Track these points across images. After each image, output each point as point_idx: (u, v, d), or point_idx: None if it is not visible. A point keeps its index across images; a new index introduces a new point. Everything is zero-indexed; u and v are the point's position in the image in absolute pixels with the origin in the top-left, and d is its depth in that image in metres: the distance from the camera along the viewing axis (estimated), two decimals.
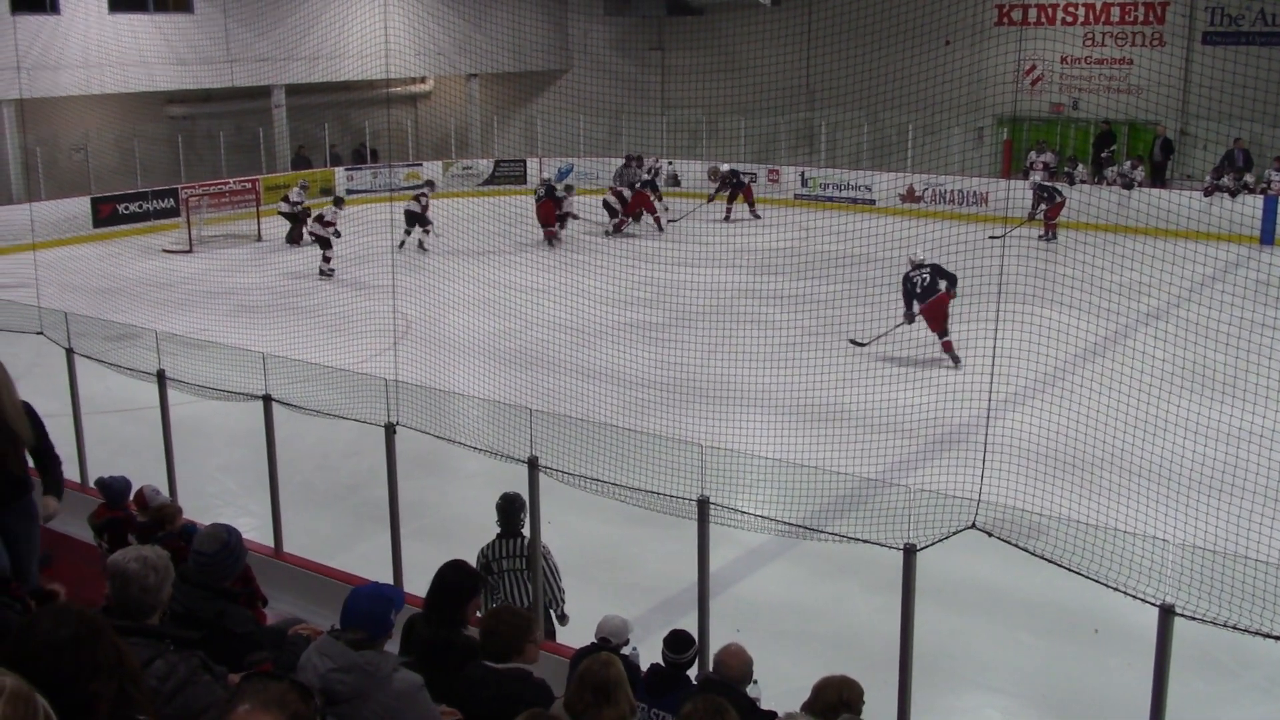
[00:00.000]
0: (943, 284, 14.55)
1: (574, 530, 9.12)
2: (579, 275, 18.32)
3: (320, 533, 9.59)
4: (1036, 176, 24.34)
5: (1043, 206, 22.23)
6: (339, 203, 21.61)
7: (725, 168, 25.73)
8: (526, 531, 7.35)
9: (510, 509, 7.48)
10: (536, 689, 4.76)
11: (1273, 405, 10.51)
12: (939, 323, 14.40)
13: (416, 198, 23.06)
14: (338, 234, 20.43)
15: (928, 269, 14.64)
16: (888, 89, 21.65)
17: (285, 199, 24.04)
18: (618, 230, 24.15)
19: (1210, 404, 10.89)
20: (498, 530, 7.53)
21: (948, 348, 14.20)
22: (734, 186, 25.52)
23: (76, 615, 3.04)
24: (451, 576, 5.25)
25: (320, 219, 20.92)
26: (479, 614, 5.43)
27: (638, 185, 24.79)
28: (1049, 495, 7.81)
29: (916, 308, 14.52)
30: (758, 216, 24.59)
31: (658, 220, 24.43)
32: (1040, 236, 21.93)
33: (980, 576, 8.70)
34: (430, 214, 22.55)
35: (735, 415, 11.52)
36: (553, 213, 23.21)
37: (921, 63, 21.22)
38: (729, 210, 25.41)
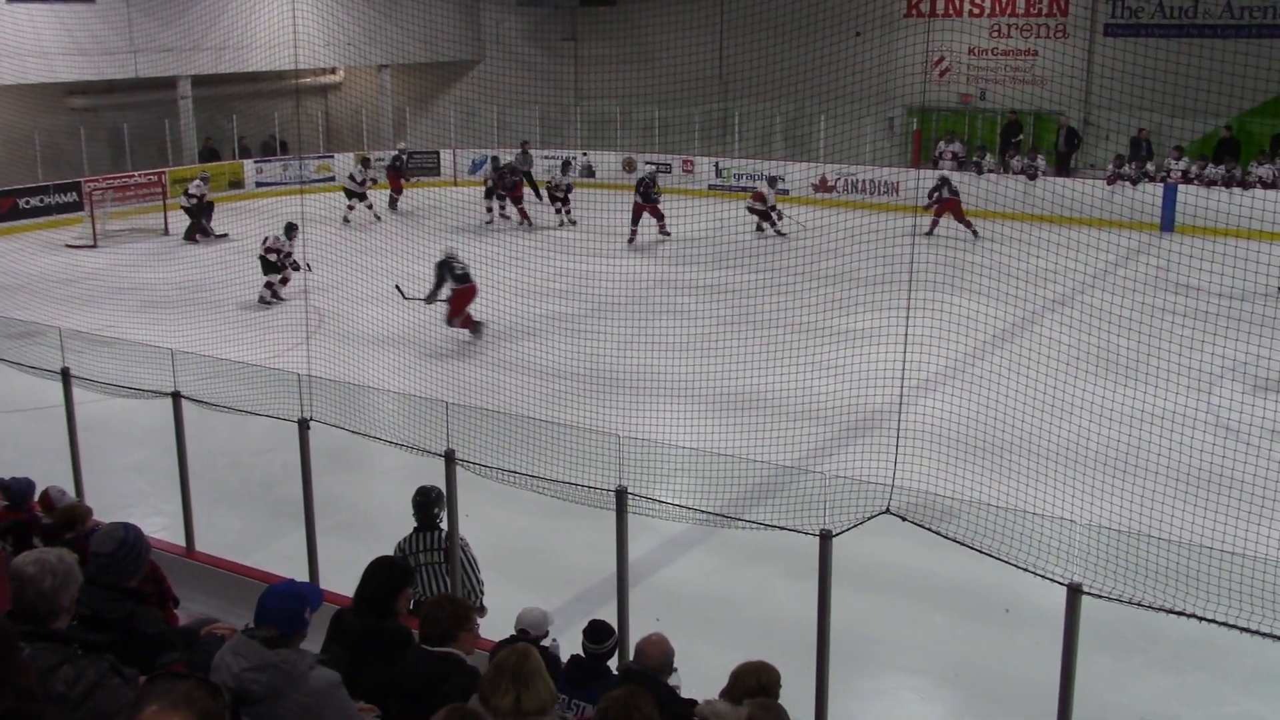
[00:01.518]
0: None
1: (492, 523, 9.09)
2: (494, 267, 18.24)
3: (234, 531, 9.46)
4: (946, 166, 24.70)
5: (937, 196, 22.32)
6: (291, 230, 18.35)
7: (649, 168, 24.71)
8: (444, 525, 7.33)
9: (426, 502, 7.46)
10: (466, 673, 4.80)
11: (1174, 388, 10.81)
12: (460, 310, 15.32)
13: (352, 175, 23.95)
14: (296, 266, 17.79)
15: (460, 263, 15.45)
16: (800, 79, 21.84)
17: (185, 192, 23.53)
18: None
19: (1114, 387, 11.17)
20: (414, 524, 7.49)
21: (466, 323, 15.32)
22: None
23: None
24: (381, 572, 5.30)
25: (276, 251, 18.22)
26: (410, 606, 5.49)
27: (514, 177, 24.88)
28: (960, 479, 7.97)
29: (446, 292, 15.29)
30: (667, 234, 22.67)
31: (523, 212, 24.28)
32: (927, 233, 22.04)
33: (895, 560, 8.83)
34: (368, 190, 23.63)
35: (652, 405, 11.57)
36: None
37: (833, 53, 21.39)
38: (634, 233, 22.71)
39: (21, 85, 24.91)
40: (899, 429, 7.12)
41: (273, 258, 18.06)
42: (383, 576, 5.31)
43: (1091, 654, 5.54)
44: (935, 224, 22.15)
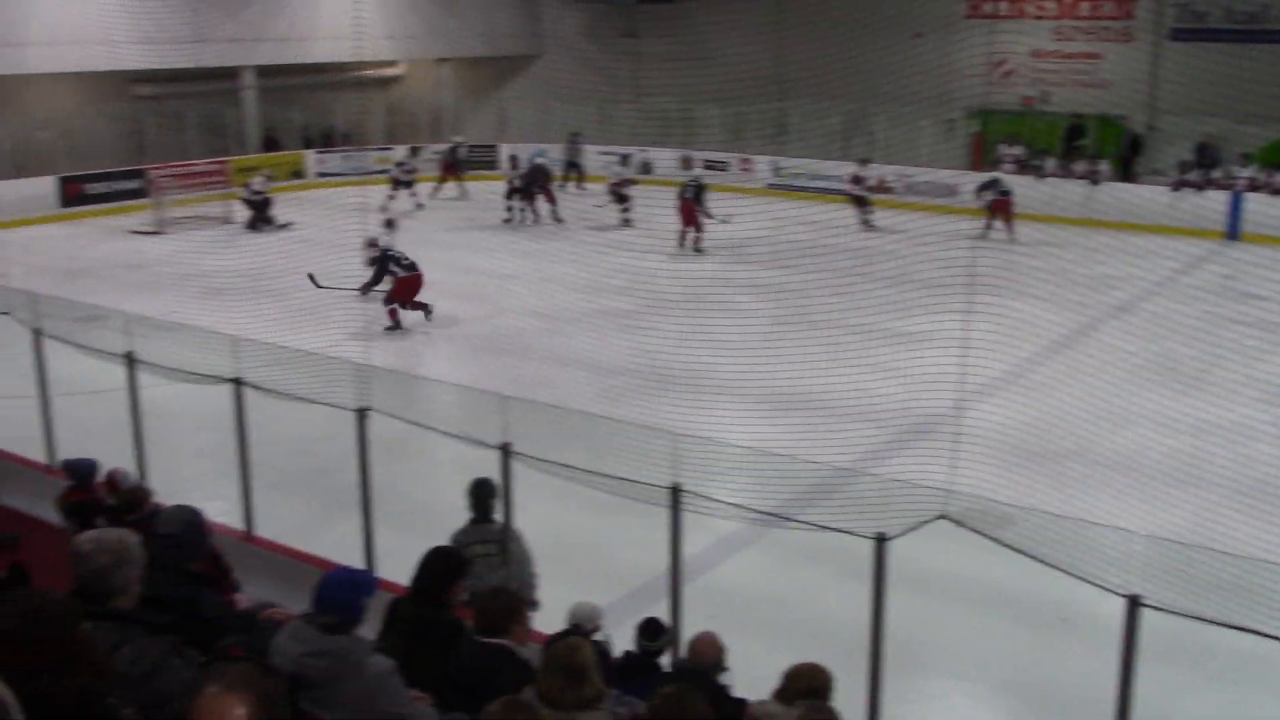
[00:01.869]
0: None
1: (546, 517, 9.09)
2: (552, 262, 18.32)
3: (292, 517, 9.55)
4: (1006, 169, 24.45)
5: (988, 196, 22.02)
6: (390, 225, 18.58)
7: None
8: (499, 517, 7.36)
9: (482, 494, 7.48)
10: (517, 665, 4.83)
11: (1238, 399, 10.63)
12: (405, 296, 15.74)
13: (400, 163, 24.35)
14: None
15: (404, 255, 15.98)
16: (859, 80, 21.72)
17: (247, 186, 23.82)
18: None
19: (1176, 397, 11.00)
20: (470, 515, 7.52)
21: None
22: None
23: (25, 608, 2.95)
24: (437, 562, 5.35)
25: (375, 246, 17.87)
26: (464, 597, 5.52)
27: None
28: (1018, 486, 7.89)
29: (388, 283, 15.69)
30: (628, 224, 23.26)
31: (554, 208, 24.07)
32: (980, 235, 21.73)
33: (950, 566, 8.75)
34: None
35: (708, 403, 11.53)
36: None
37: (892, 54, 21.28)
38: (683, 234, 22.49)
39: (89, 73, 25.33)
40: (956, 433, 7.06)
41: (374, 253, 18.41)
42: (438, 567, 5.36)
43: (1149, 667, 5.46)
44: (989, 226, 21.85)
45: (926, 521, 6.04)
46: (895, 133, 25.91)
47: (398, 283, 15.73)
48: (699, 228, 20.77)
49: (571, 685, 4.31)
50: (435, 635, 5.14)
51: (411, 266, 15.83)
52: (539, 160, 24.82)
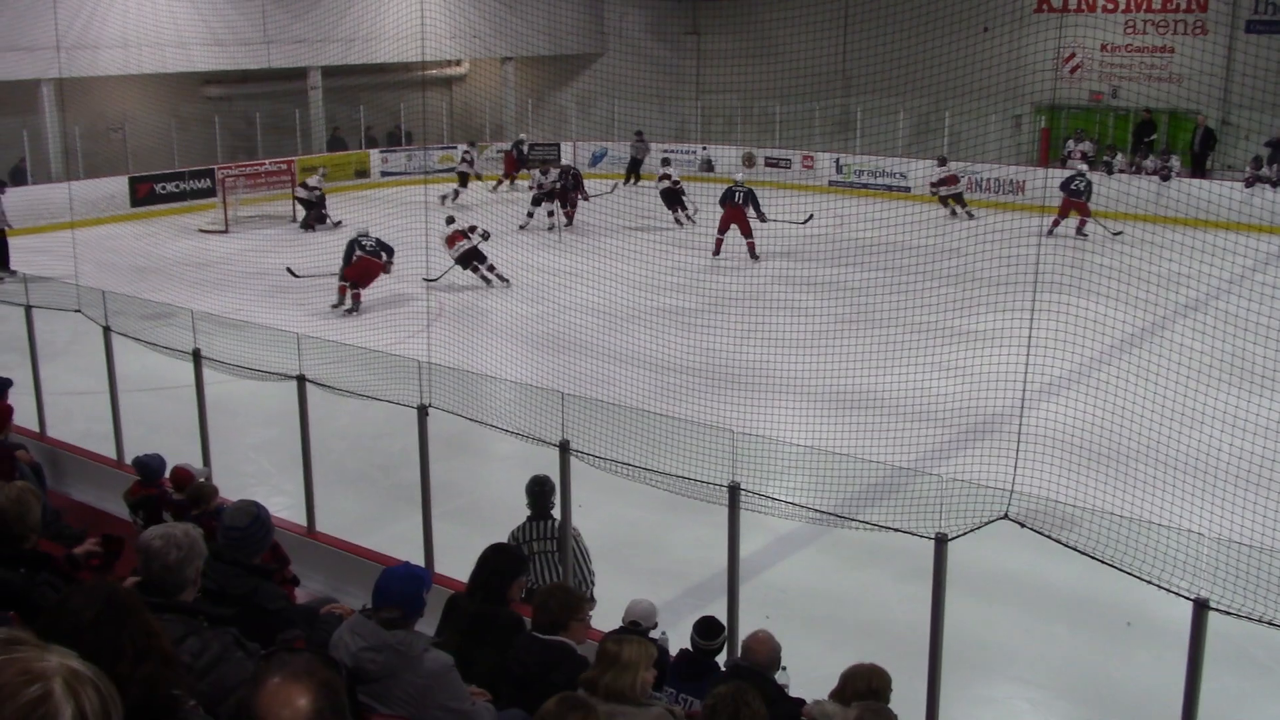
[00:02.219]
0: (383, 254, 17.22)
1: (604, 514, 9.14)
2: (612, 260, 18.33)
3: (352, 513, 9.65)
4: (1075, 165, 24.11)
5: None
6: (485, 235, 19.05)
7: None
8: (557, 514, 7.39)
9: (540, 491, 7.51)
10: (575, 662, 4.84)
11: None
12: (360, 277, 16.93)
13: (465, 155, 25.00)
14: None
15: (369, 239, 17.28)
16: (925, 75, 21.49)
17: (304, 184, 24.09)
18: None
19: (1248, 397, 10.76)
20: (528, 512, 7.56)
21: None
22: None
23: (104, 595, 3.04)
24: (496, 559, 5.36)
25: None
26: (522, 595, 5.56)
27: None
28: (1083, 487, 7.76)
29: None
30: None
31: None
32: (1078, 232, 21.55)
33: (1012, 567, 8.65)
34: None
35: (767, 401, 11.50)
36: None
37: (959, 49, 21.03)
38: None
39: (161, 74, 25.78)
40: (1020, 433, 6.96)
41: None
42: (497, 563, 5.38)
43: (1217, 672, 5.36)
44: (1083, 224, 21.58)
45: (989, 522, 5.97)
46: (961, 128, 25.63)
47: (357, 261, 17.14)
48: (749, 234, 19.90)
49: (615, 674, 4.31)
50: (494, 632, 5.17)
51: (374, 252, 17.25)
52: (569, 165, 24.88)
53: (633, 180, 27.59)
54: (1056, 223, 21.58)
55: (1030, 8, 26.57)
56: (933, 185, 24.32)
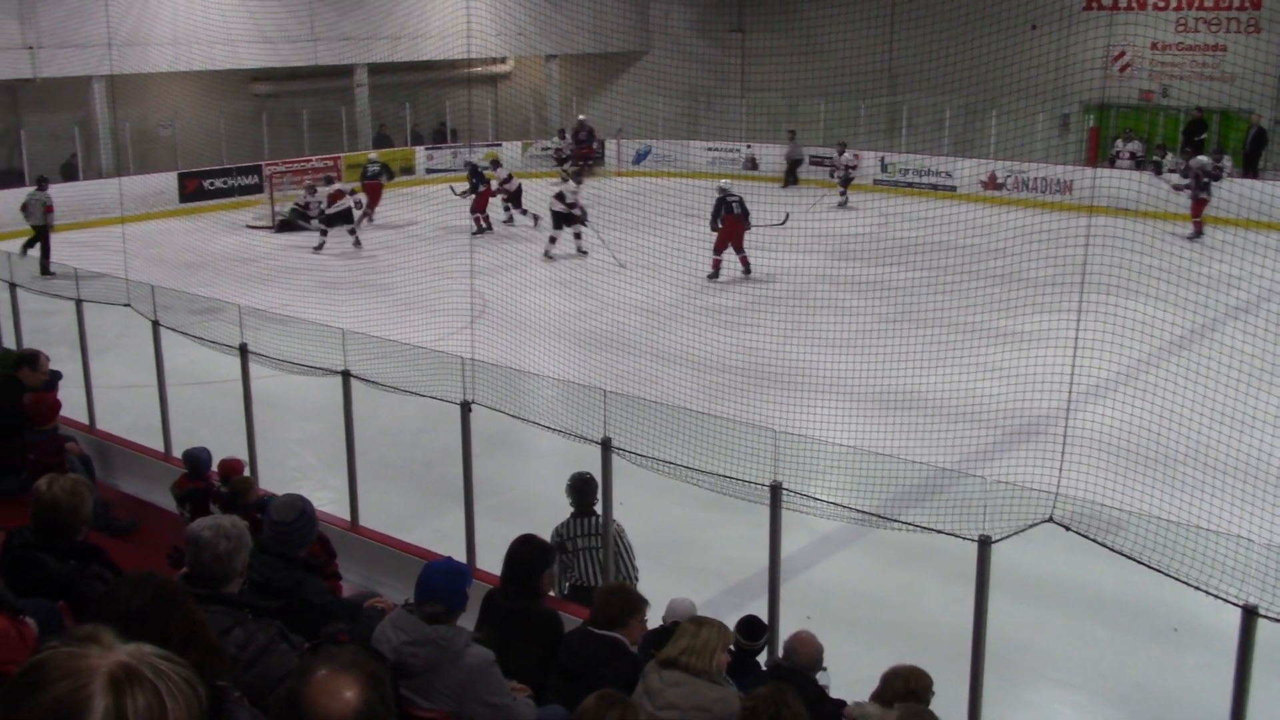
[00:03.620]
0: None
1: (646, 512, 9.14)
2: (655, 258, 18.34)
3: (395, 508, 9.71)
4: (1123, 165, 23.85)
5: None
6: (578, 178, 20.68)
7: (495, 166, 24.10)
8: (600, 510, 7.40)
9: (583, 488, 7.53)
10: (627, 659, 4.87)
11: None
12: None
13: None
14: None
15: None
16: (972, 73, 21.29)
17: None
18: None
19: None
20: (571, 509, 7.58)
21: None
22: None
23: (152, 585, 3.09)
24: (523, 550, 5.37)
25: (560, 198, 20.09)
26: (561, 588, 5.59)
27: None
28: (1129, 490, 7.68)
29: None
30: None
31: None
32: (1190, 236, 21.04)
33: (1056, 571, 8.57)
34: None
35: (809, 401, 11.46)
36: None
37: (1006, 47, 20.83)
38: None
39: (210, 71, 26.06)
40: (1065, 435, 6.90)
41: (559, 208, 19.51)
42: (525, 554, 5.37)
43: (1265, 679, 5.28)
44: (1199, 227, 21.15)
45: (1033, 525, 5.92)
46: (1008, 127, 25.40)
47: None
48: (743, 247, 18.72)
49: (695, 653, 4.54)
50: (528, 628, 5.18)
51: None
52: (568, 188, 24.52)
53: (791, 184, 27.44)
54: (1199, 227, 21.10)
55: (1079, 5, 26.30)
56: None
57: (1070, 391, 7.51)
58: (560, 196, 20.05)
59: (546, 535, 7.29)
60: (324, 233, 21.16)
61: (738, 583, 8.59)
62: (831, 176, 25.80)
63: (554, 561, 5.44)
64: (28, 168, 22.55)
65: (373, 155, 25.15)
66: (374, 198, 23.97)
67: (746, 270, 18.60)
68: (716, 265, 18.56)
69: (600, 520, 7.40)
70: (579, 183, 20.33)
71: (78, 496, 4.75)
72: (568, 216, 19.95)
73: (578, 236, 20.05)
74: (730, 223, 18.49)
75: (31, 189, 19.90)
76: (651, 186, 21.94)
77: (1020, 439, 10.73)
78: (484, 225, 22.39)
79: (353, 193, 21.70)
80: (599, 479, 7.27)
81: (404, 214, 23.62)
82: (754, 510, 6.69)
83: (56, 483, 4.79)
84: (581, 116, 29.42)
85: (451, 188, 23.06)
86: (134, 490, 9.24)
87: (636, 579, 7.43)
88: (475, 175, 22.78)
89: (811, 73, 23.95)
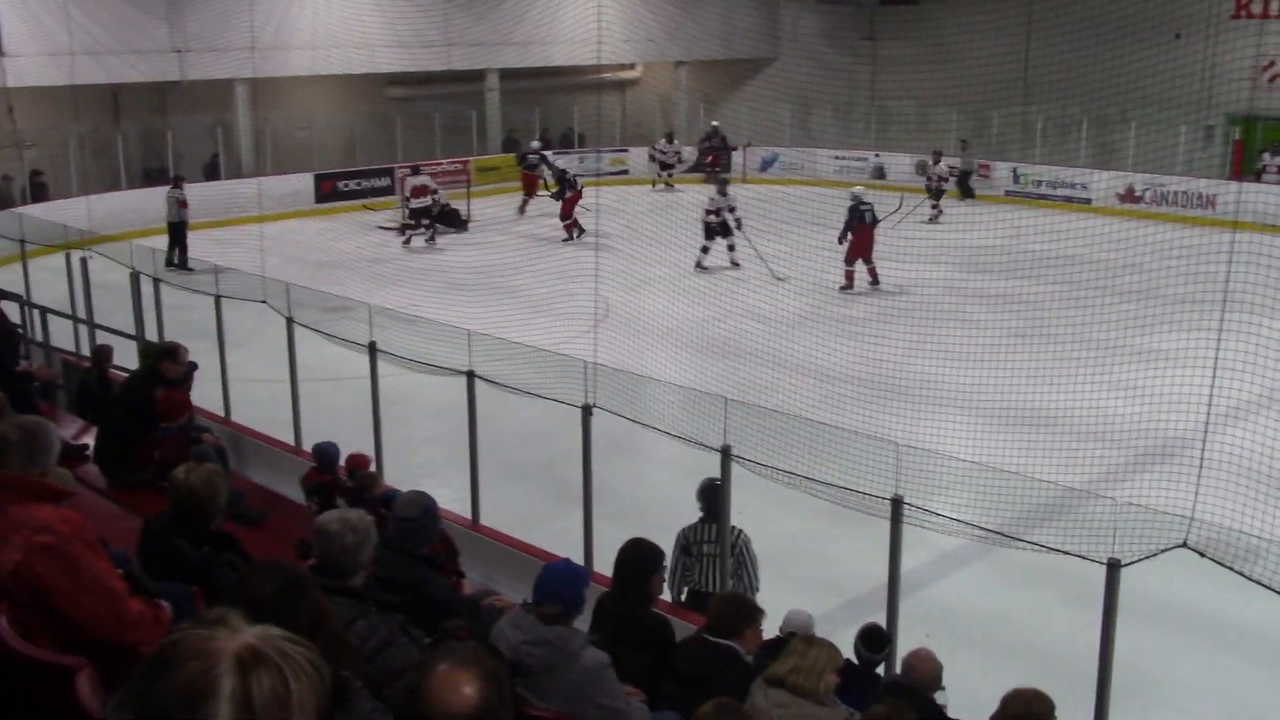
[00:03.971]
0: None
1: (764, 522, 9.07)
2: (779, 266, 18.24)
3: (515, 508, 9.81)
4: (1270, 179, 22.98)
5: None
6: (723, 186, 20.43)
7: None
8: (731, 518, 7.39)
9: (713, 494, 7.47)
10: (741, 668, 4.86)
11: None
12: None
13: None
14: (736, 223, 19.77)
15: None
16: (1111, 83, 20.74)
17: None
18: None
19: None
20: (699, 514, 7.54)
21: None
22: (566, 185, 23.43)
23: (282, 573, 3.17)
24: (633, 552, 5.36)
25: (714, 212, 19.96)
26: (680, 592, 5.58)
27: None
28: (1270, 517, 7.37)
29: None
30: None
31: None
32: None
33: (1189, 598, 8.29)
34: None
35: (933, 414, 11.28)
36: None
37: (1148, 57, 20.25)
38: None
39: (347, 75, 26.74)
40: (1202, 458, 6.66)
41: (710, 218, 19.53)
42: (634, 557, 5.33)
43: None
44: None
45: (1166, 550, 5.73)
46: (1148, 139, 24.67)
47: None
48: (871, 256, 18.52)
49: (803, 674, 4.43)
50: (639, 634, 5.16)
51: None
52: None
53: (969, 197, 26.59)
54: None
55: (1227, 14, 25.39)
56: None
57: (1209, 413, 7.26)
58: (711, 207, 19.93)
59: (662, 541, 7.29)
60: (433, 230, 22.20)
61: (855, 596, 8.49)
62: (928, 188, 24.63)
63: (661, 565, 5.41)
64: (172, 167, 23.41)
65: (535, 144, 26.63)
66: (529, 188, 25.12)
67: (874, 281, 18.36)
68: (849, 277, 18.34)
69: (729, 528, 7.37)
70: (724, 192, 20.07)
71: (213, 486, 4.90)
72: (720, 227, 19.75)
73: (731, 249, 19.74)
74: (862, 232, 18.31)
75: (168, 188, 20.70)
76: (778, 194, 21.84)
77: (1153, 461, 10.41)
78: (575, 233, 22.58)
79: (434, 191, 22.43)
80: (719, 486, 7.25)
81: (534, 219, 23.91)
82: (874, 524, 6.61)
83: (194, 472, 4.96)
84: (715, 123, 29.43)
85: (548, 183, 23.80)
86: (264, 481, 9.50)
87: (757, 590, 7.38)
88: (563, 181, 23.13)
89: (944, 81, 23.60)
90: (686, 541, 7.47)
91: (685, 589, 7.52)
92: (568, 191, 22.79)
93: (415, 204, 22.28)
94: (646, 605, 5.33)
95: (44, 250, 15.11)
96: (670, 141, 29.21)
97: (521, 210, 25.40)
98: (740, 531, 7.45)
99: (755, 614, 5.16)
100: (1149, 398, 10.27)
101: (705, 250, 19.75)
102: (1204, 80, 21.58)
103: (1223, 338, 7.13)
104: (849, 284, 18.29)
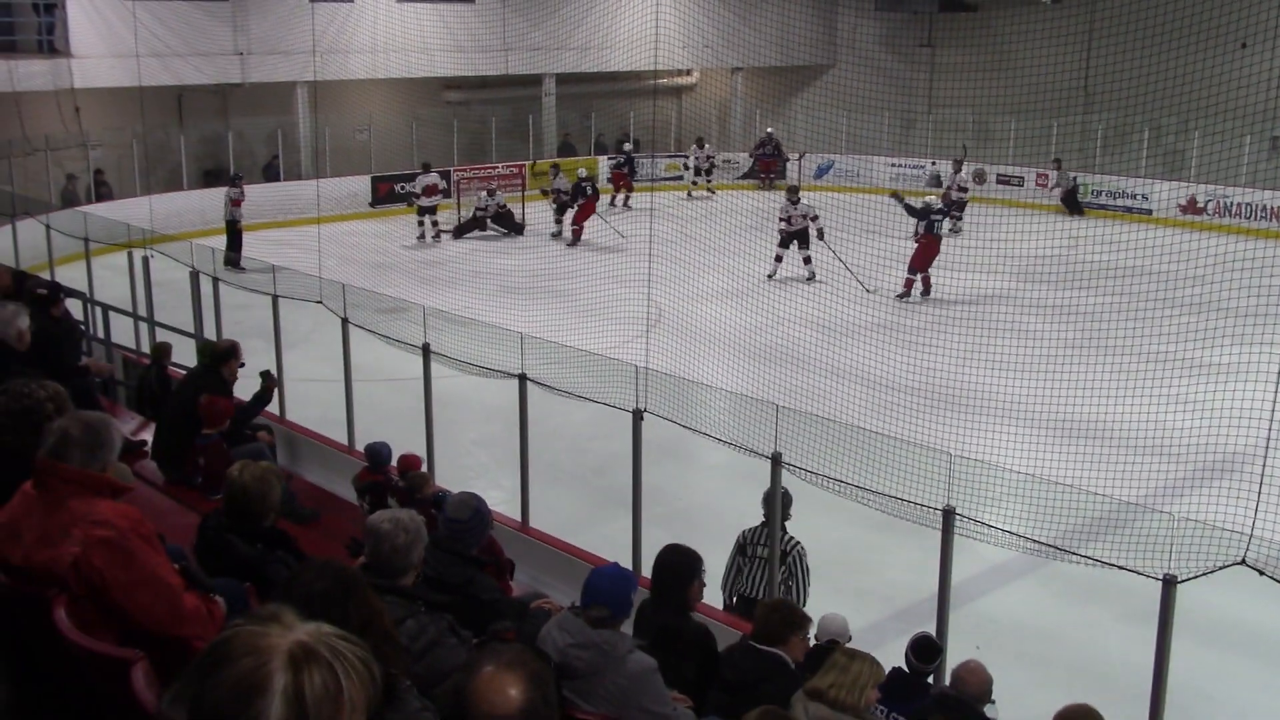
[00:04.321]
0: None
1: (813, 530, 9.01)
2: (833, 273, 18.16)
3: (564, 511, 9.84)
4: None
5: None
6: (792, 193, 20.09)
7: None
8: (789, 527, 7.45)
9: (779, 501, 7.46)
10: (788, 676, 4.84)
11: None
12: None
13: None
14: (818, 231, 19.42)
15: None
16: (1174, 92, 20.42)
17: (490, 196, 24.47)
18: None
19: None
20: (763, 519, 7.52)
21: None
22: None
23: (334, 571, 3.20)
24: (670, 558, 5.31)
25: (787, 220, 19.80)
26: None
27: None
28: None
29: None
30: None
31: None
32: None
33: (1247, 617, 8.15)
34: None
35: (986, 425, 11.17)
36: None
37: (1212, 66, 19.93)
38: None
39: (406, 79, 26.97)
40: (1264, 474, 6.54)
41: (784, 227, 19.52)
42: (672, 563, 5.27)
43: None
44: None
45: (1223, 567, 5.64)
46: (1211, 149, 24.28)
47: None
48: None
49: (844, 688, 4.39)
50: (680, 644, 5.12)
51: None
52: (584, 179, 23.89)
53: (1077, 214, 26.13)
54: None
55: None
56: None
57: (1270, 428, 7.13)
58: (783, 215, 19.70)
59: (710, 547, 7.27)
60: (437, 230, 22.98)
61: (904, 607, 8.43)
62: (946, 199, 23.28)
63: (702, 571, 5.35)
64: (233, 168, 23.73)
65: (627, 146, 27.94)
66: (618, 186, 26.39)
67: (926, 291, 18.27)
68: (909, 285, 18.27)
69: (786, 537, 7.40)
70: (794, 200, 19.72)
71: (266, 484, 4.96)
72: (795, 235, 19.51)
73: (807, 260, 19.41)
74: (930, 241, 18.24)
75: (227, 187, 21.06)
76: (834, 201, 21.75)
77: (1212, 476, 10.24)
78: (579, 237, 22.90)
79: (444, 190, 23.42)
80: (784, 494, 7.24)
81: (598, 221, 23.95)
82: (925, 534, 6.56)
83: (247, 469, 5.02)
84: (769, 130, 29.38)
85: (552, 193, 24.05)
86: (317, 480, 9.60)
87: (806, 599, 7.34)
88: (578, 189, 23.31)
89: (1003, 89, 23.34)
90: (744, 542, 7.50)
91: (736, 594, 7.51)
92: (580, 199, 23.10)
93: (424, 202, 23.15)
94: (685, 612, 5.28)
95: (107, 249, 15.36)
96: (701, 147, 29.06)
97: (625, 204, 26.71)
98: (796, 543, 7.43)
99: (802, 622, 5.15)
100: (1208, 412, 10.11)
101: (779, 259, 19.57)
102: (1270, 90, 21.21)
103: None
104: (907, 292, 18.22)
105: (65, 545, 3.40)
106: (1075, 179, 26.53)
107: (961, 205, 23.64)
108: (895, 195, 19.16)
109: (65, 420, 3.73)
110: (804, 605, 7.28)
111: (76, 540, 3.40)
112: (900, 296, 18.11)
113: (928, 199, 19.04)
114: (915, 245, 18.18)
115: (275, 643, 1.60)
